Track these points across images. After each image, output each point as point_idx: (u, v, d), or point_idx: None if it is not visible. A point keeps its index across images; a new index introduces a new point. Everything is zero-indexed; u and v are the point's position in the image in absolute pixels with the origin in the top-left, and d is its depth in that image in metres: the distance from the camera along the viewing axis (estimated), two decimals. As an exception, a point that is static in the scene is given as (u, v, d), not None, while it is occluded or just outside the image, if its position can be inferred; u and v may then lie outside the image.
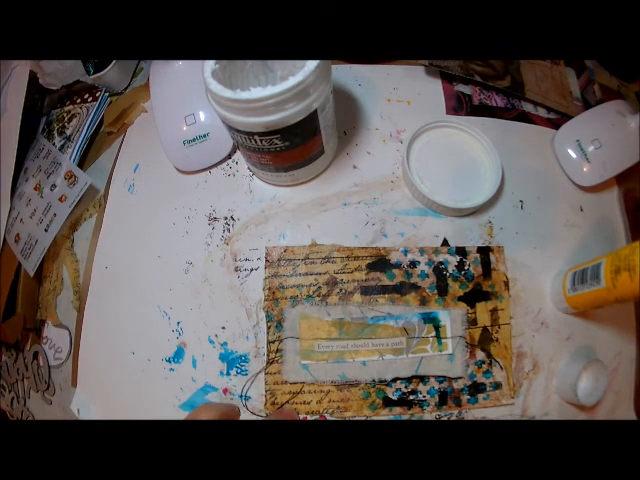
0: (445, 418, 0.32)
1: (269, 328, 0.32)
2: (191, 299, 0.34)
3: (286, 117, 0.25)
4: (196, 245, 0.35)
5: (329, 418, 0.32)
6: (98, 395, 0.36)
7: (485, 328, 0.33)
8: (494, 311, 0.33)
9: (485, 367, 0.33)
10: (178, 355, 0.33)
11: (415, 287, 0.33)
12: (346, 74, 0.38)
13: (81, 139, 0.42)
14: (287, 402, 0.32)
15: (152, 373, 0.31)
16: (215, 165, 0.37)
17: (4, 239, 0.44)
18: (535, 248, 0.35)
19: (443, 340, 0.32)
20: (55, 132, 0.45)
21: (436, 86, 0.39)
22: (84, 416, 0.36)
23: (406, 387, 0.32)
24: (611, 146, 0.37)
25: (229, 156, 0.37)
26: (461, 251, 0.34)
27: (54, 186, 0.41)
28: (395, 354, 0.32)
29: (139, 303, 0.35)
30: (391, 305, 0.32)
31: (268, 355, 0.32)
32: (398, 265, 0.33)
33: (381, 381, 0.32)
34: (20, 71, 0.45)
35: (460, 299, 0.33)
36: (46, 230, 0.40)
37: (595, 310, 0.34)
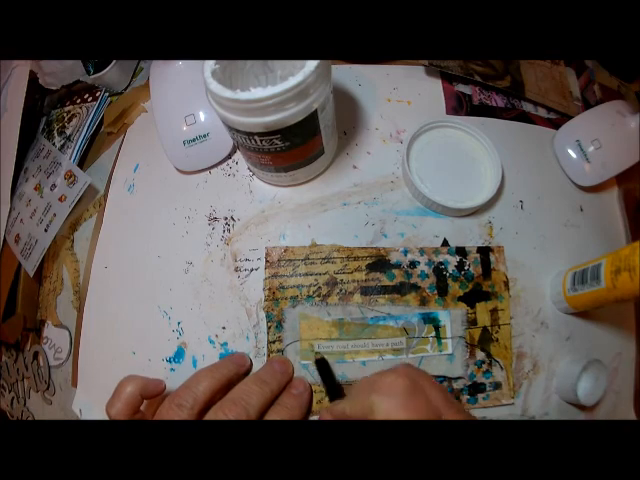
0: (445, 418, 0.32)
1: (269, 328, 0.32)
2: (191, 299, 0.34)
3: (286, 117, 0.25)
4: (196, 245, 0.35)
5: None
6: (98, 395, 0.36)
7: (485, 328, 0.33)
8: (494, 311, 0.33)
9: (485, 367, 0.33)
10: (178, 355, 0.33)
11: (415, 287, 0.33)
12: (346, 74, 0.38)
13: (81, 139, 0.42)
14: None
15: (153, 373, 0.31)
16: (215, 165, 0.37)
17: (4, 239, 0.44)
18: (535, 248, 0.35)
19: (443, 340, 0.32)
20: (55, 132, 0.45)
21: (436, 86, 0.39)
22: (86, 417, 0.36)
23: (406, 387, 0.32)
24: (611, 146, 0.37)
25: (229, 156, 0.37)
26: (461, 251, 0.34)
27: (54, 186, 0.41)
28: (395, 354, 0.32)
29: (139, 303, 0.35)
30: (391, 305, 0.33)
31: (268, 355, 0.32)
32: (398, 265, 0.33)
33: (381, 381, 0.32)
34: (20, 71, 0.45)
35: (460, 299, 0.33)
36: (46, 230, 0.40)
37: (595, 310, 0.35)
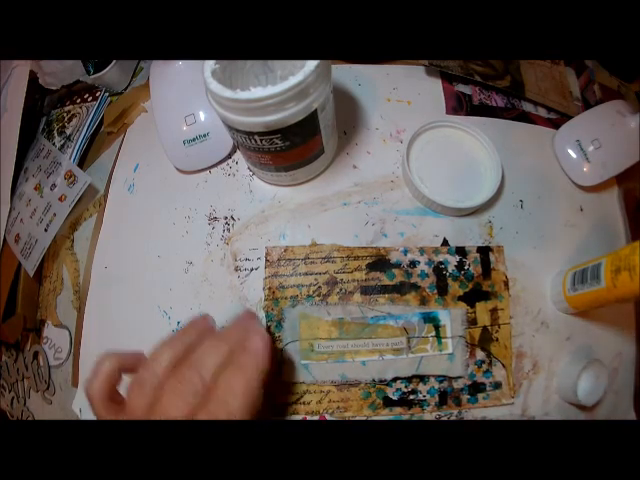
0: (445, 418, 0.32)
1: (269, 328, 0.32)
2: (191, 299, 0.34)
3: (286, 117, 0.25)
4: (196, 245, 0.35)
5: (329, 418, 0.32)
6: (98, 395, 0.36)
7: (485, 328, 0.33)
8: (494, 311, 0.33)
9: (485, 367, 0.33)
10: (178, 355, 0.33)
11: (415, 287, 0.33)
12: (346, 74, 0.38)
13: (81, 139, 0.42)
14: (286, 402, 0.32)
15: (152, 373, 0.31)
16: (215, 165, 0.37)
17: (4, 239, 0.44)
18: (535, 248, 0.35)
19: (443, 340, 0.32)
20: (55, 132, 0.45)
21: (436, 86, 0.39)
22: (86, 416, 0.36)
23: (406, 387, 0.32)
24: (611, 146, 0.37)
25: (229, 156, 0.37)
26: (461, 251, 0.34)
27: (54, 186, 0.41)
28: (395, 354, 0.32)
29: (139, 303, 0.35)
30: (391, 305, 0.33)
31: (268, 355, 0.32)
32: (398, 265, 0.33)
33: (381, 381, 0.32)
34: (20, 71, 0.45)
35: (460, 299, 0.33)
36: (46, 230, 0.40)
37: (595, 310, 0.34)
